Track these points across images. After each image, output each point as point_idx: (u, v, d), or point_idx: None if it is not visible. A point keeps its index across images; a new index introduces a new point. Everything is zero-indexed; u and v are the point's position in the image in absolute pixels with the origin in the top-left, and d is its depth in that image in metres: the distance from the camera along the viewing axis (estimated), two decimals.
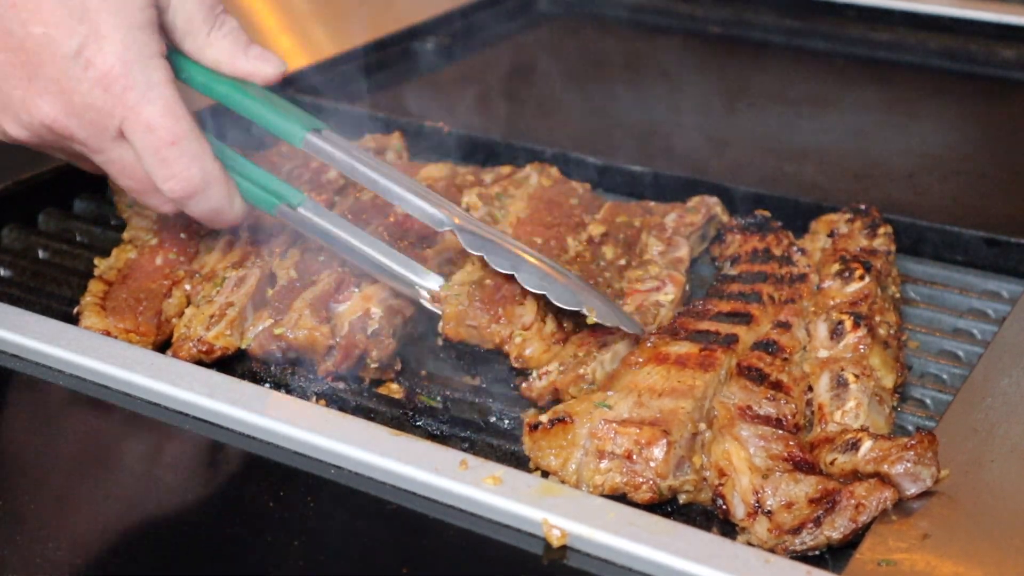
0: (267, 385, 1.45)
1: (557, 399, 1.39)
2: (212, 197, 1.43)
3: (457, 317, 1.45)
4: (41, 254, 1.74)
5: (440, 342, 1.54)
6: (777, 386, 1.34)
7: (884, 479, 1.20)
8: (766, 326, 1.45)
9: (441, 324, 1.46)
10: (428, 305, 1.47)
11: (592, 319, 1.40)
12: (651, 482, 1.24)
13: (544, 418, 1.30)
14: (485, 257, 1.45)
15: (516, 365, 1.43)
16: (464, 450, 1.31)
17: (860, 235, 1.62)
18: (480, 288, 1.47)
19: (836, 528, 1.17)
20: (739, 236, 1.64)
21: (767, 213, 1.68)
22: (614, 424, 1.27)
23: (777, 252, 1.58)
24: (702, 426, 1.29)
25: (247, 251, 1.60)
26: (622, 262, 1.61)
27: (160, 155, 1.38)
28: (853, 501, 1.18)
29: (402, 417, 1.40)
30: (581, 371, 1.40)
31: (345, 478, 1.26)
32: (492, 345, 1.45)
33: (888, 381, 1.39)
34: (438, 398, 1.44)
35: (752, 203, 1.82)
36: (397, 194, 1.49)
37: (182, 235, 1.65)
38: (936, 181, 1.95)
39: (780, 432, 1.28)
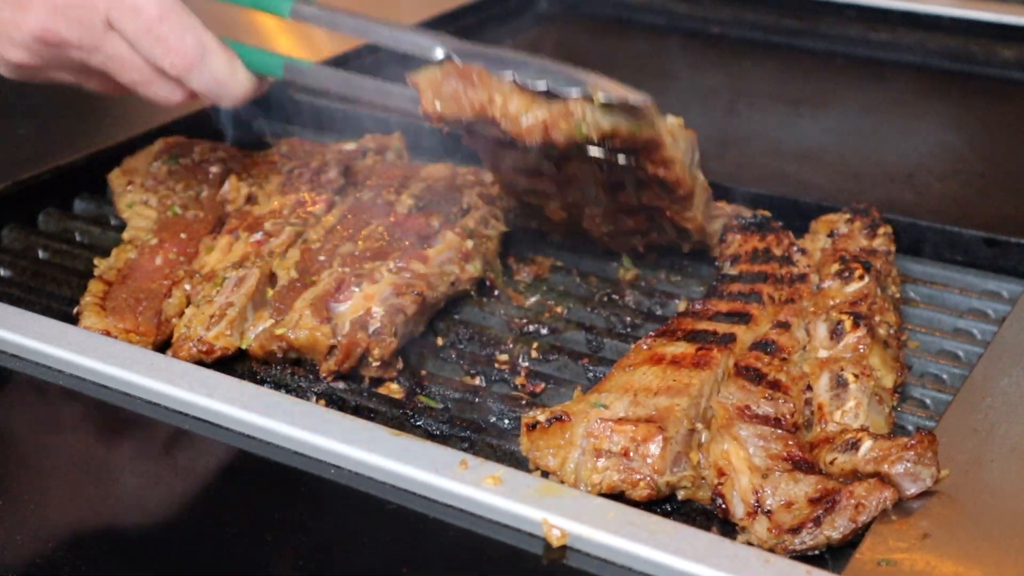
0: (267, 385, 1.45)
1: (548, 139, 1.37)
2: (213, 65, 1.44)
3: (433, 87, 1.42)
4: (41, 254, 1.74)
5: (440, 341, 1.54)
6: (775, 385, 1.34)
7: (884, 479, 1.20)
8: (765, 326, 1.45)
9: (419, 105, 1.44)
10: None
11: (599, 99, 1.38)
12: (648, 478, 1.25)
13: (542, 418, 1.30)
14: (484, 65, 1.42)
15: (504, 126, 1.39)
16: (464, 450, 1.31)
17: (860, 235, 1.61)
18: (453, 65, 1.45)
19: (836, 528, 1.17)
20: (739, 236, 1.64)
21: (767, 213, 1.68)
22: (610, 422, 1.28)
23: (777, 252, 1.58)
24: (699, 425, 1.29)
25: (247, 251, 1.60)
26: None
27: (152, 33, 1.40)
28: (853, 501, 1.18)
29: (402, 417, 1.40)
30: (571, 106, 1.38)
31: (345, 478, 1.26)
32: (473, 112, 1.41)
33: (888, 381, 1.39)
34: (438, 398, 1.44)
35: (752, 203, 1.82)
36: (387, 34, 1.51)
37: (182, 235, 1.66)
38: (936, 181, 1.95)
39: (779, 432, 1.28)
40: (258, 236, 1.63)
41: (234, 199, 1.75)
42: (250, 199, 1.75)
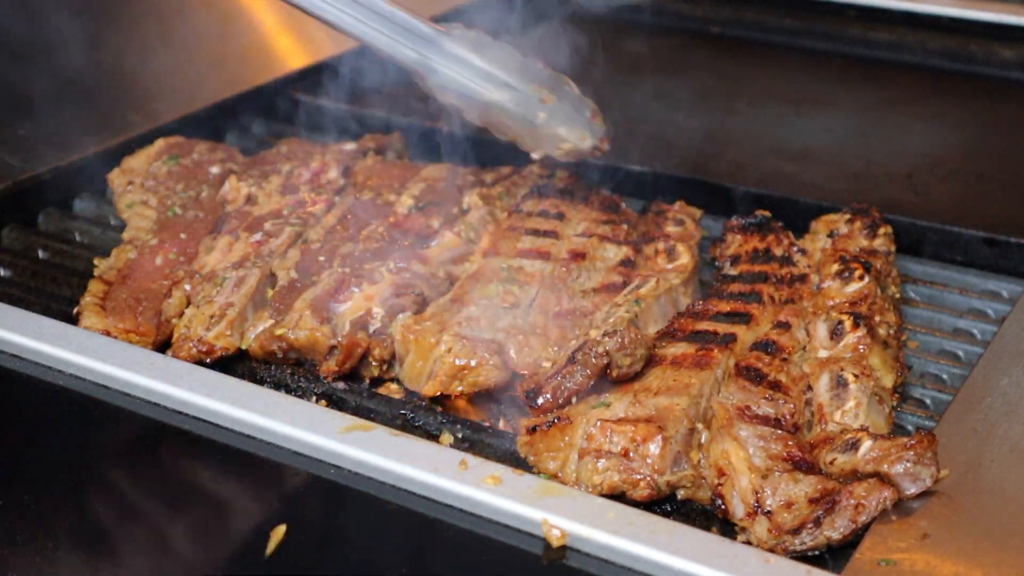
0: (267, 385, 1.45)
1: None
2: None
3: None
4: (41, 254, 1.74)
5: None
6: (775, 386, 1.34)
7: (884, 479, 1.20)
8: (765, 326, 1.45)
9: None
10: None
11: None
12: (648, 478, 1.25)
13: (541, 420, 1.30)
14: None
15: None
16: (464, 450, 1.31)
17: (860, 235, 1.61)
18: None
19: (836, 528, 1.17)
20: (739, 236, 1.64)
21: (767, 213, 1.67)
22: (610, 423, 1.27)
23: (778, 252, 1.58)
24: (699, 425, 1.29)
25: (247, 251, 1.60)
26: None
27: None
28: (853, 501, 1.18)
29: (402, 417, 1.40)
30: None
31: (345, 478, 1.26)
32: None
33: (888, 381, 1.39)
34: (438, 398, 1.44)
35: (752, 203, 1.82)
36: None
37: (182, 235, 1.66)
38: (936, 181, 1.95)
39: (779, 432, 1.28)
40: (258, 236, 1.63)
41: (234, 199, 1.75)
42: (250, 199, 1.75)
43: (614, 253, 1.58)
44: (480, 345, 1.41)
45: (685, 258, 1.58)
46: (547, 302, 1.49)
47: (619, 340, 1.32)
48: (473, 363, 1.40)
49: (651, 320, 1.47)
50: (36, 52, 2.36)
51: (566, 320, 1.45)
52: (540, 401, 1.33)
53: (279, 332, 1.46)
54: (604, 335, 1.33)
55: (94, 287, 1.56)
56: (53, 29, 2.44)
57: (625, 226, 1.64)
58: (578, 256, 1.57)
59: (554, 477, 1.28)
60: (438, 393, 1.40)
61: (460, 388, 1.40)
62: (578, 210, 1.66)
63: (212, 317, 1.48)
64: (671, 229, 1.64)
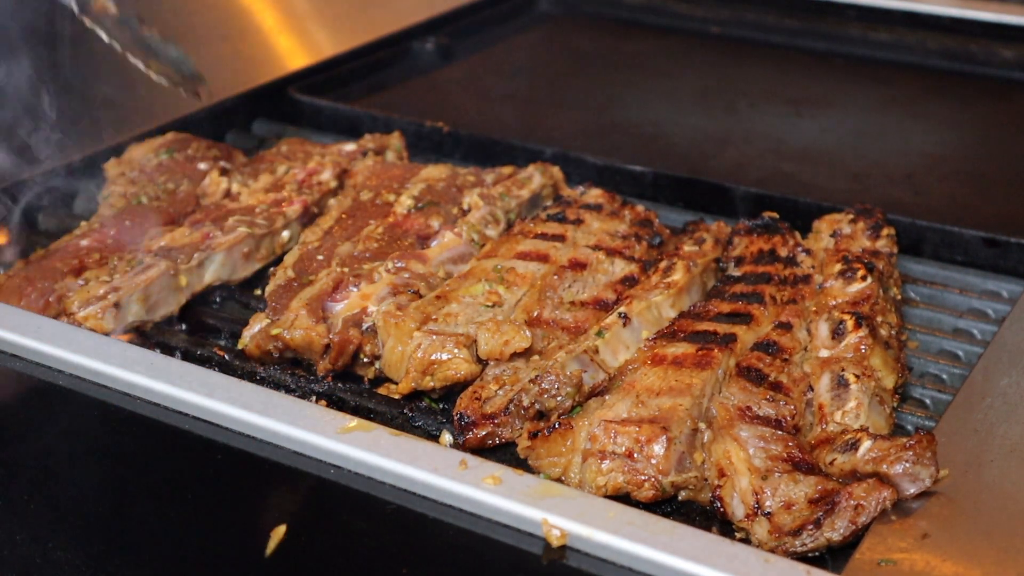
0: (267, 385, 1.45)
1: None
2: None
3: None
4: None
5: None
6: (776, 387, 1.34)
7: (883, 479, 1.20)
8: (767, 326, 1.45)
9: None
10: None
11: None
12: (653, 479, 1.24)
13: (543, 425, 1.30)
14: None
15: None
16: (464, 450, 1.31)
17: (863, 236, 1.61)
18: None
19: (836, 529, 1.17)
20: (745, 239, 1.63)
21: (775, 215, 1.67)
22: (614, 424, 1.27)
23: (782, 253, 1.58)
24: (702, 425, 1.29)
25: (193, 240, 1.60)
26: None
27: None
28: (852, 502, 1.17)
29: (402, 417, 1.40)
30: None
31: (345, 478, 1.26)
32: None
33: (889, 382, 1.39)
34: (438, 398, 1.44)
35: (752, 203, 1.82)
36: None
37: (127, 222, 1.65)
38: (936, 181, 1.95)
39: (779, 433, 1.28)
40: (205, 229, 1.63)
41: (212, 193, 1.75)
42: (230, 195, 1.75)
43: (620, 268, 1.57)
44: (449, 340, 1.41)
45: (678, 275, 1.54)
46: (531, 306, 1.48)
47: (539, 387, 1.34)
48: (443, 357, 1.40)
49: (620, 345, 1.44)
50: (36, 51, 2.36)
51: (536, 331, 1.44)
52: (468, 435, 1.34)
53: (275, 332, 1.46)
54: (530, 381, 1.35)
55: (17, 265, 1.57)
56: (52, 28, 2.44)
57: (644, 243, 1.62)
58: (578, 266, 1.55)
59: (557, 482, 1.28)
60: (411, 389, 1.41)
61: (432, 383, 1.40)
62: (601, 220, 1.64)
63: (91, 297, 1.49)
64: (688, 248, 1.61)
